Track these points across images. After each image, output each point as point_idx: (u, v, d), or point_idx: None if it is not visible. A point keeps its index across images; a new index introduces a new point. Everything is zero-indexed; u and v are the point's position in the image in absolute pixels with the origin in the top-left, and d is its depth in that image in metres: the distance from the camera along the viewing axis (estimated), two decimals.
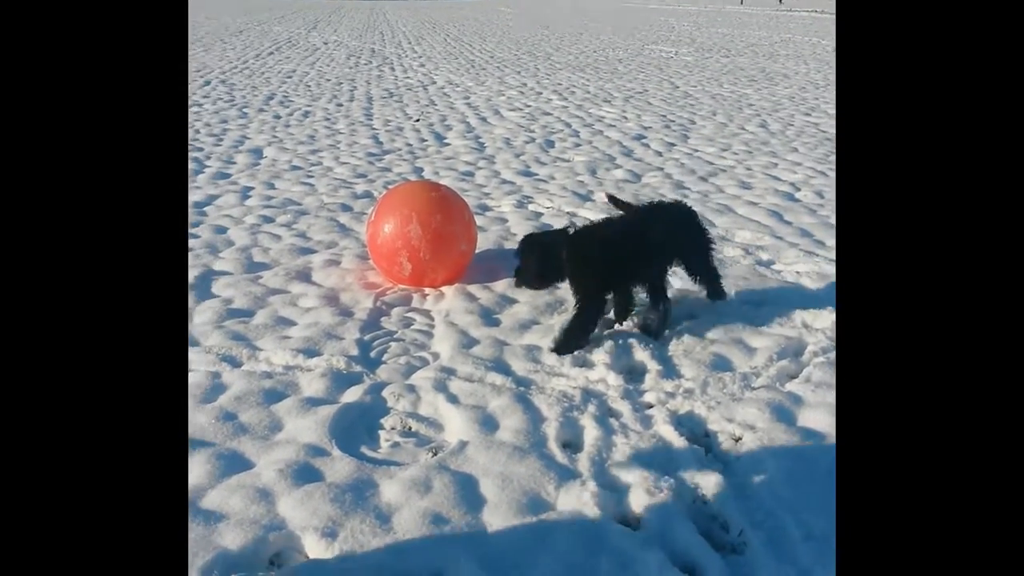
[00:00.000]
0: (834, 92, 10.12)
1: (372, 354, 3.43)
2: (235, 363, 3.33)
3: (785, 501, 2.45)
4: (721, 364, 3.37)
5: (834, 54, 13.67)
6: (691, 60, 16.96)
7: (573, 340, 3.45)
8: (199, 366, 3.27)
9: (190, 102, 10.37)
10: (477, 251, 4.49)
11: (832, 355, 3.38)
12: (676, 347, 3.52)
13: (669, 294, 3.75)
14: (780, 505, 2.43)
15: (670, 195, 6.14)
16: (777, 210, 5.73)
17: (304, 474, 2.56)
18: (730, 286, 4.19)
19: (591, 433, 2.82)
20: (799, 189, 6.39)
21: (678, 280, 4.29)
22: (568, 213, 5.66)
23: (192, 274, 4.27)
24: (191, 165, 6.97)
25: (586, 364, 3.36)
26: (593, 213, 5.64)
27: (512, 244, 4.91)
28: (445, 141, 8.35)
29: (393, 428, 2.89)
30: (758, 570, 2.19)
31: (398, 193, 4.18)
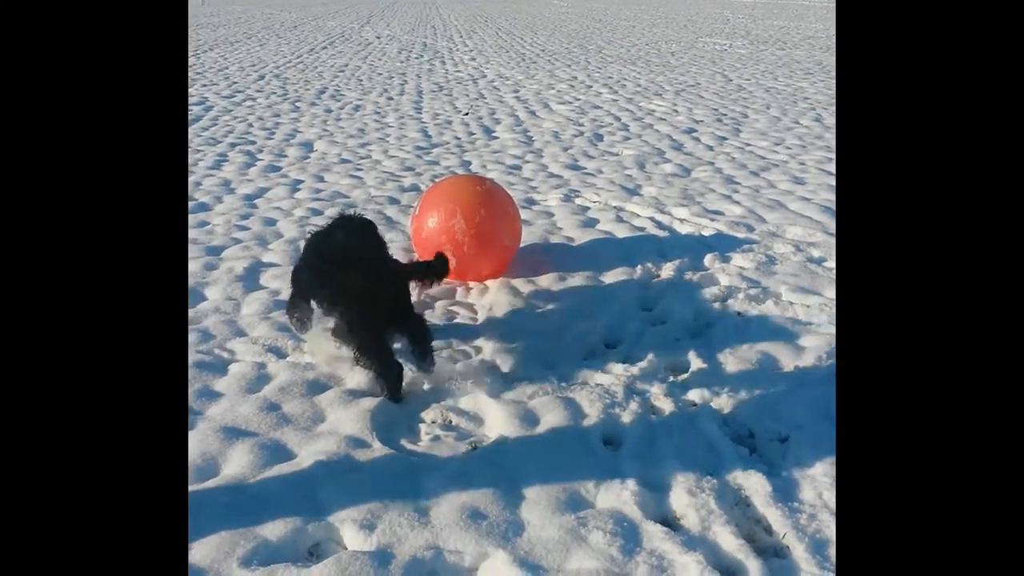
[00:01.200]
0: None
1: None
2: (280, 354, 3.36)
3: (831, 505, 2.38)
4: (768, 362, 3.29)
5: None
6: (745, 53, 16.67)
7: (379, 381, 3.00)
8: (245, 356, 3.32)
9: (244, 96, 10.53)
10: (522, 245, 4.47)
11: None
12: (722, 344, 3.46)
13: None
14: (825, 509, 2.37)
15: (720, 190, 6.05)
16: (830, 206, 5.60)
17: (345, 466, 2.57)
18: (778, 282, 4.11)
19: (633, 430, 2.78)
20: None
21: (725, 277, 4.22)
22: (615, 207, 5.61)
23: (241, 266, 4.33)
24: (243, 158, 7.08)
25: (629, 360, 3.31)
26: (640, 207, 5.58)
27: (558, 239, 4.88)
28: (493, 134, 8.35)
29: (434, 421, 2.89)
30: (801, 575, 2.13)
31: (442, 187, 4.18)
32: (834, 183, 6.24)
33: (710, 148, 7.67)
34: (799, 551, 2.21)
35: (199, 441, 2.69)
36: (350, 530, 2.29)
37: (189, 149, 7.34)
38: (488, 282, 4.13)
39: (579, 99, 10.65)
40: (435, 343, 3.46)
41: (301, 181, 6.35)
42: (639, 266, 4.35)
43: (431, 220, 4.02)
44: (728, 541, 2.24)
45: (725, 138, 8.14)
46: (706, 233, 5.01)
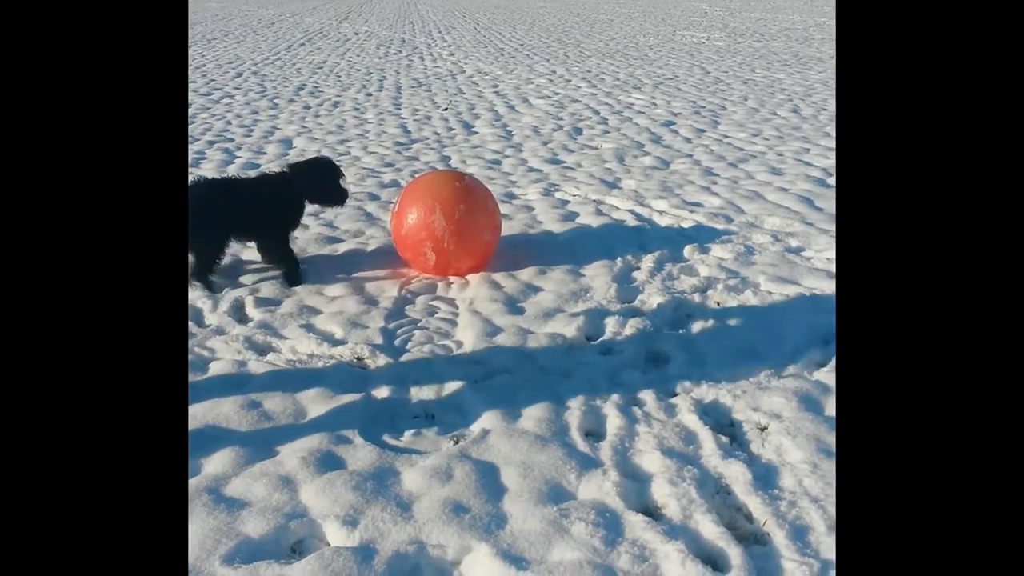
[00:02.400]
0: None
1: (396, 342, 3.44)
2: (260, 352, 3.35)
3: (810, 492, 2.41)
4: (748, 352, 3.32)
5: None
6: (723, 45, 16.74)
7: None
8: (225, 355, 3.30)
9: (222, 93, 10.45)
10: (502, 239, 4.47)
11: None
12: (702, 335, 3.48)
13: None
14: (805, 496, 2.39)
15: (699, 182, 6.08)
16: (808, 196, 5.64)
17: (326, 462, 2.57)
18: (757, 272, 4.14)
19: (614, 422, 2.80)
20: (831, 175, 6.27)
21: (705, 267, 4.25)
22: (595, 200, 5.62)
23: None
24: (221, 156, 7.03)
25: (610, 352, 3.33)
26: (620, 200, 5.60)
27: (537, 231, 4.89)
28: (473, 129, 8.34)
29: (416, 416, 2.89)
30: (782, 562, 2.15)
31: (421, 183, 4.17)
32: (811, 173, 6.29)
33: (688, 140, 7.70)
34: (780, 537, 2.24)
35: None
36: (332, 526, 2.29)
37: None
38: (469, 276, 4.13)
39: (558, 93, 10.66)
40: (416, 338, 3.48)
41: None
42: (619, 259, 4.36)
43: (411, 216, 4.01)
44: (709, 529, 2.26)
45: (703, 130, 8.18)
46: (685, 225, 5.04)
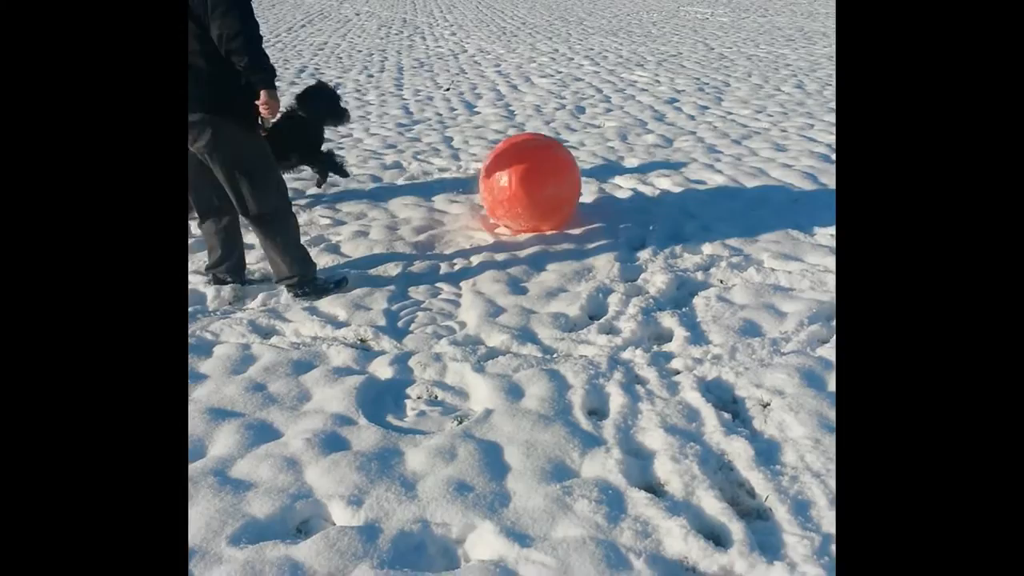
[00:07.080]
0: None
1: (399, 324, 3.45)
2: (264, 335, 3.36)
3: (812, 467, 2.42)
4: (750, 329, 3.32)
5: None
6: (727, 21, 16.60)
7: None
8: (229, 338, 3.32)
9: None
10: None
11: None
12: (705, 313, 3.48)
13: None
14: (807, 471, 2.40)
15: (702, 159, 6.06)
16: (813, 172, 5.61)
17: (331, 443, 2.58)
18: (760, 250, 4.13)
19: (617, 400, 2.81)
20: (835, 151, 6.23)
21: (708, 246, 4.24)
22: (598, 179, 5.60)
23: None
24: None
25: (613, 331, 3.34)
26: (623, 178, 5.58)
27: None
28: (475, 109, 8.30)
29: (419, 397, 2.91)
30: (784, 536, 2.16)
31: (532, 150, 4.49)
32: (816, 149, 6.26)
33: (692, 118, 7.66)
34: (781, 512, 2.25)
35: None
36: (338, 506, 2.31)
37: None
38: (471, 257, 4.14)
39: (560, 72, 10.59)
40: (419, 319, 3.49)
41: None
42: (622, 237, 4.36)
43: (504, 178, 4.29)
44: (711, 505, 2.27)
45: (707, 107, 8.13)
46: (688, 203, 5.02)
